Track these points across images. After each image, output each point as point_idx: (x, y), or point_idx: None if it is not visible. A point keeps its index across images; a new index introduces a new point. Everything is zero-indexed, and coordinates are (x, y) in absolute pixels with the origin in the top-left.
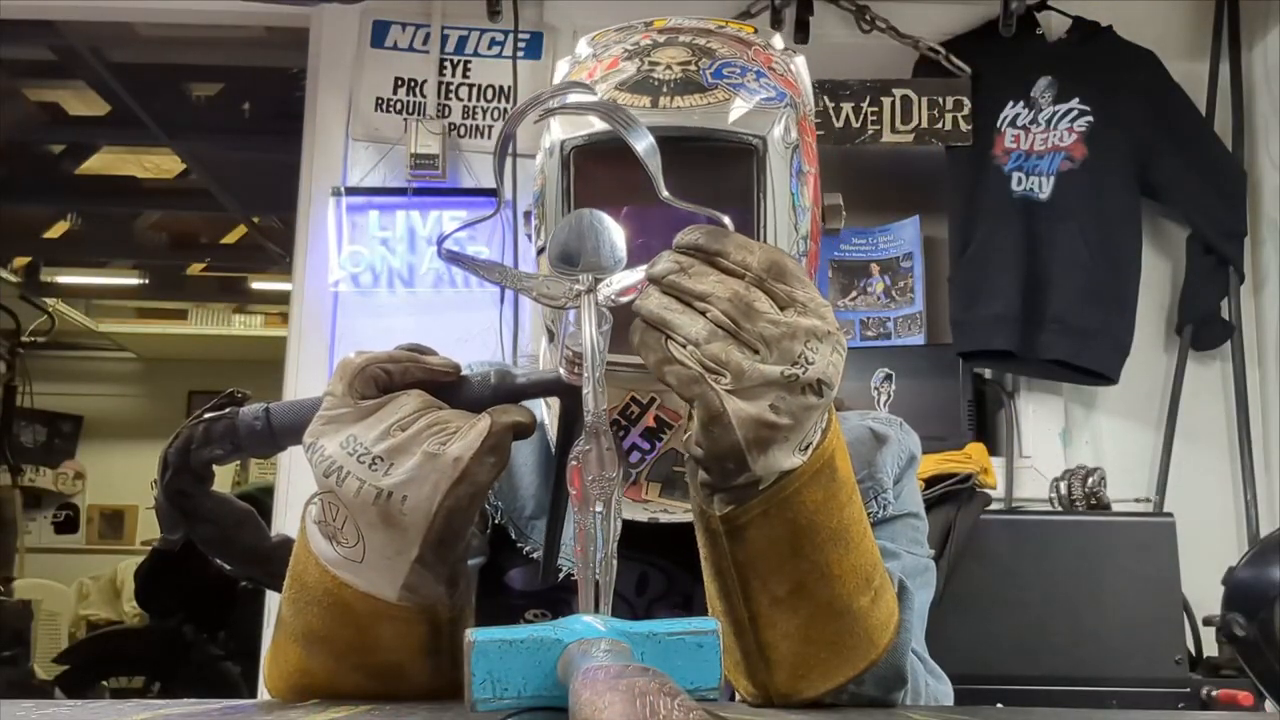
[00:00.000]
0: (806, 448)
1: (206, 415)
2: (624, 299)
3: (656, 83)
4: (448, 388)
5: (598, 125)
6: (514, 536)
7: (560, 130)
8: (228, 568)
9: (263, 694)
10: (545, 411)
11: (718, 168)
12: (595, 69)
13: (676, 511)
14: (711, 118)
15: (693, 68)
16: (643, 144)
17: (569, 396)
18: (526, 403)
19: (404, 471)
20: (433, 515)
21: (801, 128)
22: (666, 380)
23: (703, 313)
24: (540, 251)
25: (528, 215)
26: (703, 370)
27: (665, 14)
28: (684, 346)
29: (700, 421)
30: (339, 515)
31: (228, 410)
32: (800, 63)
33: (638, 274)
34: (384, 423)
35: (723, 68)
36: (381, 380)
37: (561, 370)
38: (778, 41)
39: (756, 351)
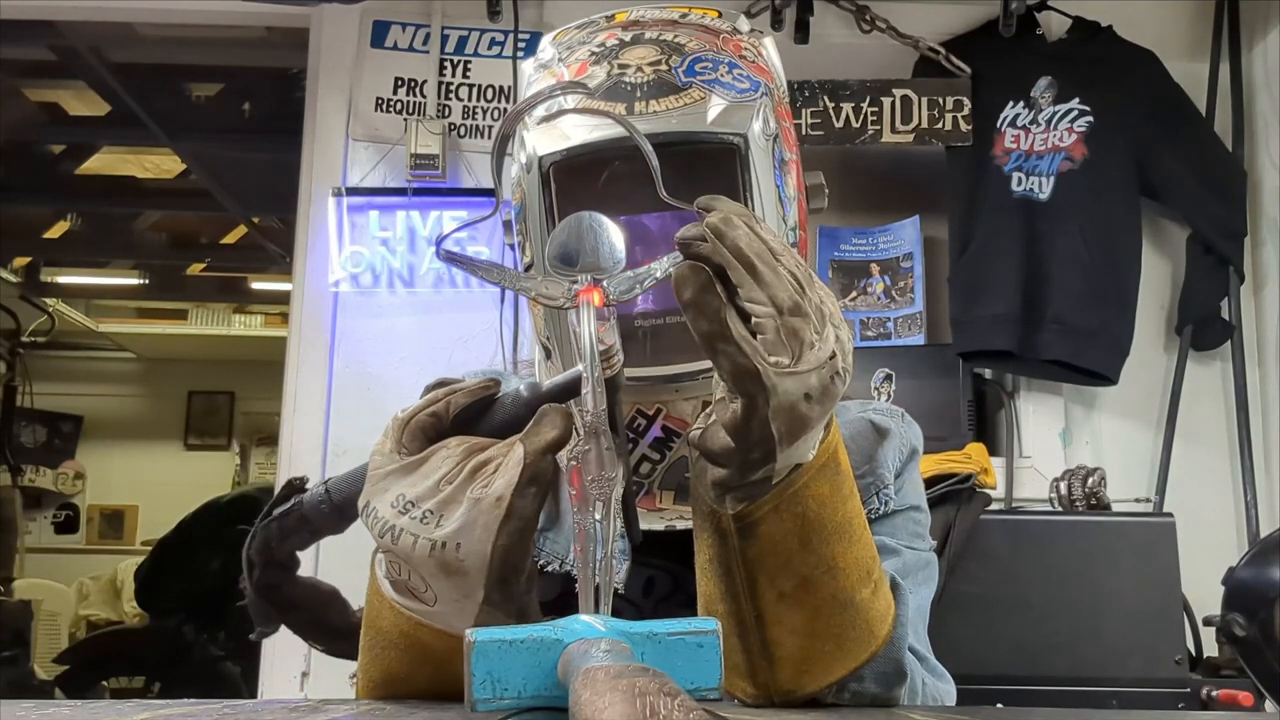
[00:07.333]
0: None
1: (276, 511)
2: (624, 299)
3: (629, 87)
4: (484, 416)
5: (573, 137)
6: None
7: (536, 144)
8: (319, 647)
9: (263, 694)
10: None
11: (700, 169)
12: (563, 74)
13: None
14: (690, 119)
15: (664, 67)
16: (644, 146)
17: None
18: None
19: (454, 520)
20: (489, 557)
21: (779, 115)
22: (716, 360)
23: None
24: (528, 266)
25: (508, 225)
26: (763, 357)
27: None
28: (744, 322)
29: (739, 414)
30: (403, 570)
31: (292, 501)
32: (769, 45)
33: (639, 276)
34: (429, 476)
35: (694, 64)
36: (428, 426)
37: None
38: (744, 24)
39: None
